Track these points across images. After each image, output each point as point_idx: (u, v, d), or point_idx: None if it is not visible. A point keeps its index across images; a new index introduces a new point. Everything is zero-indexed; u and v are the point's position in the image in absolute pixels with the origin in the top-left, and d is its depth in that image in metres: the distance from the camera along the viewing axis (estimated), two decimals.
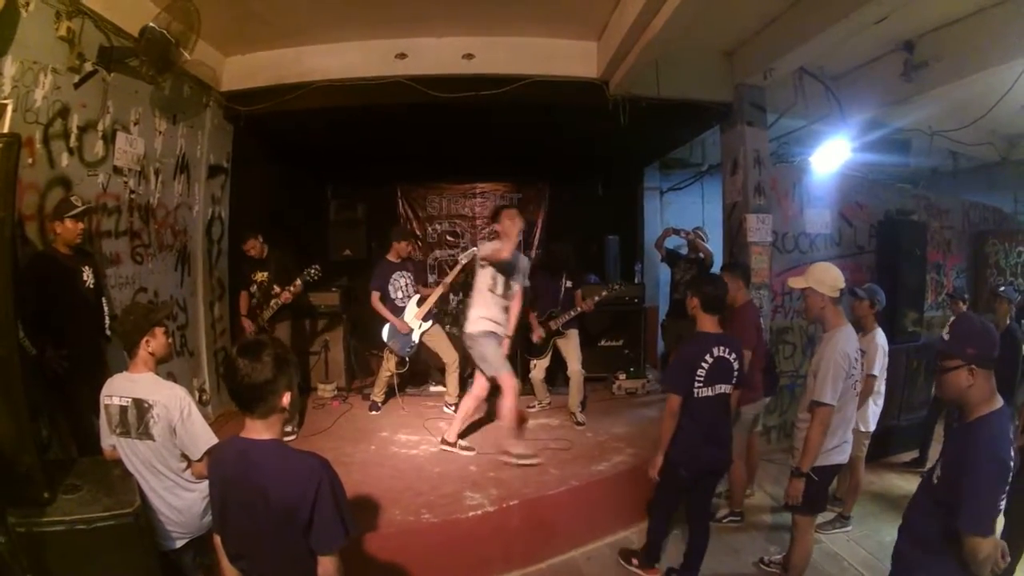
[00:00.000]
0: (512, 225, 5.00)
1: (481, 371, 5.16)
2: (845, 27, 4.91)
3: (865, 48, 6.14)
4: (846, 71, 6.74)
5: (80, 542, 2.58)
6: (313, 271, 5.70)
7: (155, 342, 2.98)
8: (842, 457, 3.68)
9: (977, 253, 8.68)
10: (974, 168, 9.23)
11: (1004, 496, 2.15)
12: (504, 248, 4.90)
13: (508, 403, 5.01)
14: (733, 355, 3.74)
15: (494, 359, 5.04)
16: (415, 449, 5.41)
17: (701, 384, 3.66)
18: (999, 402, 2.25)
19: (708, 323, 3.75)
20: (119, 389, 2.89)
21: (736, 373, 3.77)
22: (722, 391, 3.74)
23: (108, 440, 2.95)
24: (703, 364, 3.65)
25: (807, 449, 3.49)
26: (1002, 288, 5.84)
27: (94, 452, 3.15)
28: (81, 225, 3.99)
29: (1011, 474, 2.14)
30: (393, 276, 6.35)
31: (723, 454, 3.88)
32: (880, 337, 4.76)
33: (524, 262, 5.32)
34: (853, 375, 3.56)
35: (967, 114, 6.97)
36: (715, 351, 3.67)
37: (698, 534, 3.96)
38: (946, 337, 2.31)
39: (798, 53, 5.61)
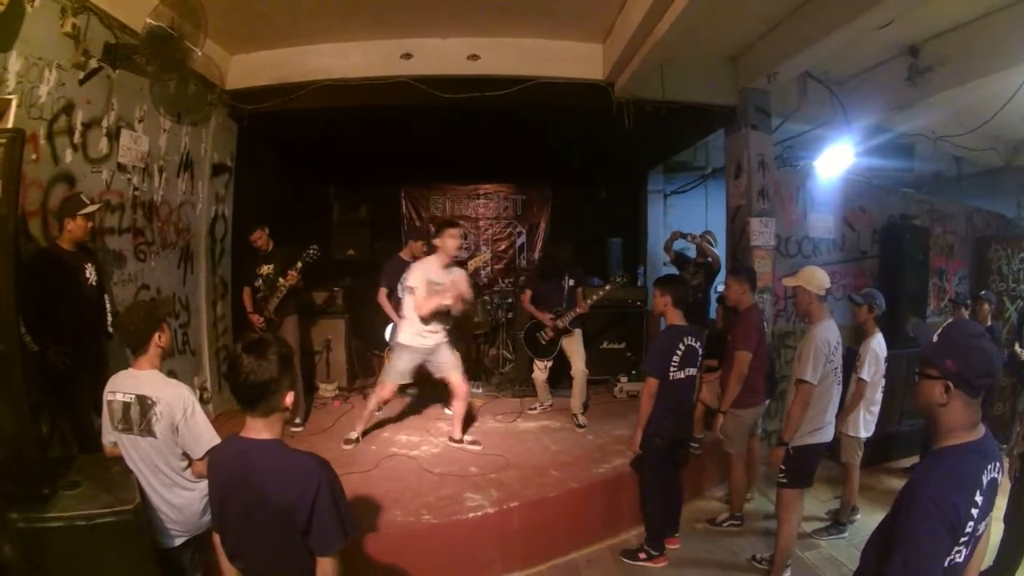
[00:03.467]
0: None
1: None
2: (849, 32, 4.91)
3: (870, 53, 6.13)
4: (851, 75, 6.73)
5: (79, 538, 2.58)
6: (312, 251, 5.62)
7: (164, 336, 3.00)
8: (823, 438, 4.05)
9: (980, 259, 8.64)
10: (977, 173, 9.19)
11: (956, 550, 1.76)
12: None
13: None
14: (698, 343, 4.36)
15: None
16: (415, 450, 5.39)
17: (676, 368, 4.25)
18: (977, 435, 1.87)
19: (677, 317, 4.34)
20: (122, 386, 2.88)
21: (700, 359, 4.42)
22: (690, 374, 4.35)
23: (109, 437, 2.95)
24: (677, 352, 4.24)
25: (788, 421, 3.96)
26: (983, 292, 6.54)
27: (95, 449, 3.15)
28: (91, 223, 4.01)
29: (971, 523, 1.76)
30: (403, 275, 6.32)
31: (687, 424, 4.68)
32: (876, 343, 4.79)
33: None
34: (833, 360, 3.98)
35: (971, 119, 6.95)
36: (686, 340, 4.28)
37: (674, 493, 4.60)
38: (934, 339, 1.95)
39: (802, 57, 5.61)
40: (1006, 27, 5.08)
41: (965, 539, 1.77)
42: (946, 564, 1.76)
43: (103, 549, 2.62)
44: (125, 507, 2.65)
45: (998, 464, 1.88)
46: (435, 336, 5.21)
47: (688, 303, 4.49)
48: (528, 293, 6.36)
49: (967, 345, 1.88)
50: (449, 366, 5.30)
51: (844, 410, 4.78)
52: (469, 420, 5.86)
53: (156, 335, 2.96)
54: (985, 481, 1.81)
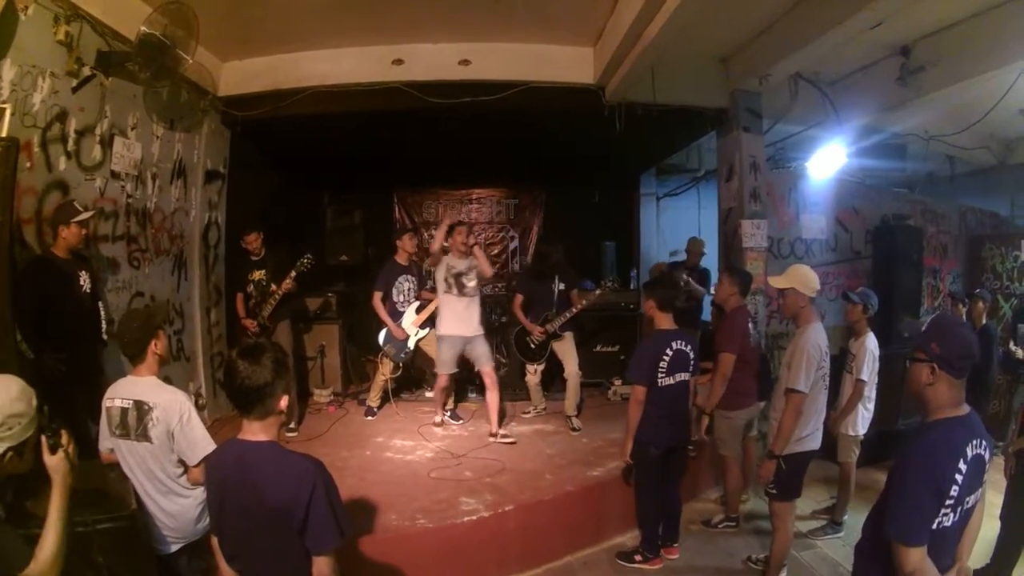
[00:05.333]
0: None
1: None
2: (840, 33, 4.94)
3: (861, 53, 6.15)
4: (842, 76, 6.75)
5: (76, 544, 2.57)
6: (306, 260, 5.66)
7: (161, 343, 3.00)
8: (813, 445, 3.95)
9: (974, 257, 8.69)
10: (971, 172, 9.25)
11: (944, 513, 2.01)
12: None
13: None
14: (689, 347, 4.25)
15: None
16: (410, 455, 5.39)
17: (664, 375, 4.15)
18: (962, 411, 2.14)
19: (665, 321, 4.25)
20: (122, 392, 2.90)
21: (693, 363, 4.29)
22: (681, 379, 4.24)
23: (106, 443, 2.95)
24: (664, 357, 4.14)
25: (780, 433, 3.81)
26: (978, 290, 6.61)
27: (91, 456, 3.15)
28: (85, 231, 4.01)
29: (954, 488, 2.00)
30: (398, 279, 6.34)
31: (683, 431, 4.42)
32: (871, 342, 4.80)
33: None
34: (823, 367, 3.88)
35: (963, 118, 6.99)
36: (674, 345, 4.17)
37: (671, 503, 4.45)
38: (922, 328, 2.26)
39: (793, 59, 5.64)
40: (997, 26, 5.11)
41: (951, 502, 2.01)
42: (935, 526, 2.01)
43: (100, 555, 2.61)
44: (122, 513, 2.65)
45: (984, 442, 2.11)
46: (473, 326, 5.64)
47: (676, 306, 4.43)
48: (519, 298, 6.37)
49: (949, 331, 2.21)
50: (484, 358, 5.65)
51: (842, 412, 4.79)
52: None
53: (152, 343, 2.96)
54: (970, 453, 2.05)
